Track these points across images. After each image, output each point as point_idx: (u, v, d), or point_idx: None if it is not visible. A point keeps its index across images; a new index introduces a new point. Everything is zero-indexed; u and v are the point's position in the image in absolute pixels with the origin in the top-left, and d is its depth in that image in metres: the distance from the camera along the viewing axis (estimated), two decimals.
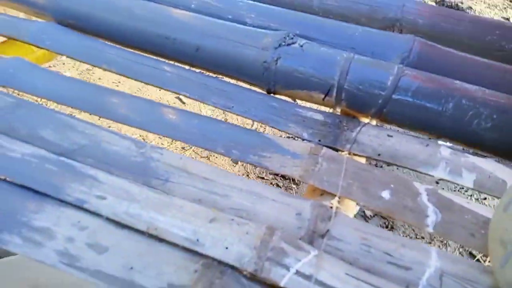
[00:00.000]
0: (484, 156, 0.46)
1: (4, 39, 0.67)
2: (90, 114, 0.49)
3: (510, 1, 2.02)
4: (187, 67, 0.57)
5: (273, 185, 1.05)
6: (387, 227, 0.98)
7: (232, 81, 0.55)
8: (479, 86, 0.49)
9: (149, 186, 0.41)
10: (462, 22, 0.62)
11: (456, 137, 0.47)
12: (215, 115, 1.43)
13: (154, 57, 0.57)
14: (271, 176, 1.10)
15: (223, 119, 1.38)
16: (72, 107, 0.49)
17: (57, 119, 0.46)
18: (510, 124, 0.45)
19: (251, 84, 0.56)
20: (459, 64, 0.53)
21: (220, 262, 0.33)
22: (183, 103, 1.50)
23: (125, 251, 0.34)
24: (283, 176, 1.08)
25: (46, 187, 0.38)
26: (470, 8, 2.05)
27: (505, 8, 2.01)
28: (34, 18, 0.67)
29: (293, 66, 0.51)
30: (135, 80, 0.54)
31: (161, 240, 0.35)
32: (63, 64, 1.47)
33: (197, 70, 0.57)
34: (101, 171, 0.40)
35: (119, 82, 1.53)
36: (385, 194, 0.42)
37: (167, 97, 1.48)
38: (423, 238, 0.98)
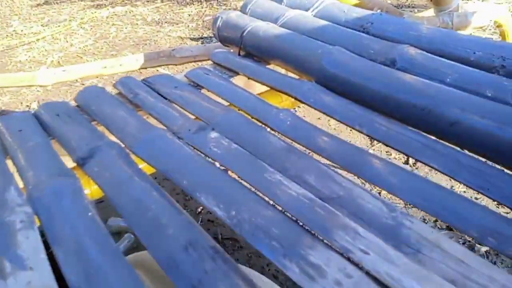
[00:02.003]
0: None
1: (267, 88, 0.84)
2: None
3: None
4: (433, 137, 0.58)
5: None
6: None
7: (487, 161, 0.53)
8: None
9: (400, 251, 0.43)
10: None
11: None
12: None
13: (403, 125, 0.61)
14: None
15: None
16: (330, 160, 0.57)
17: (319, 167, 0.54)
18: None
19: (509, 168, 0.52)
20: None
21: None
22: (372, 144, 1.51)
23: None
24: None
25: (318, 229, 0.45)
26: None
27: None
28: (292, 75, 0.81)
29: None
30: (384, 144, 0.58)
31: None
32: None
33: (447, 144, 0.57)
34: (359, 225, 0.45)
35: (319, 118, 1.68)
36: None
37: (358, 140, 1.52)
38: None
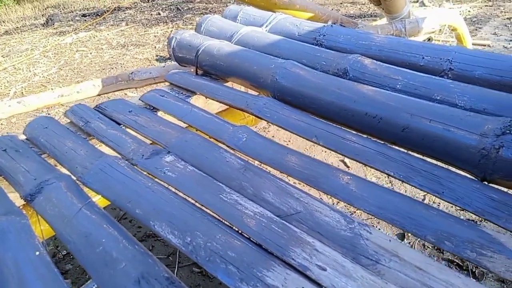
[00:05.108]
0: None
1: (225, 107, 0.84)
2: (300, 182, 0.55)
3: None
4: (388, 144, 0.59)
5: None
6: None
7: (439, 163, 0.54)
8: None
9: (359, 263, 0.42)
10: None
11: None
12: (380, 182, 1.39)
13: (355, 133, 0.61)
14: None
15: (389, 187, 1.33)
16: (287, 174, 0.56)
17: (277, 184, 0.53)
18: None
19: (459, 168, 0.53)
20: None
21: None
22: (347, 166, 1.52)
23: None
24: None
25: (274, 248, 0.43)
26: None
27: None
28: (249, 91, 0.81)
29: None
30: (340, 154, 0.58)
31: None
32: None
33: (401, 149, 0.57)
34: (317, 240, 0.44)
35: (289, 141, 1.67)
36: None
37: (331, 159, 1.52)
38: None
